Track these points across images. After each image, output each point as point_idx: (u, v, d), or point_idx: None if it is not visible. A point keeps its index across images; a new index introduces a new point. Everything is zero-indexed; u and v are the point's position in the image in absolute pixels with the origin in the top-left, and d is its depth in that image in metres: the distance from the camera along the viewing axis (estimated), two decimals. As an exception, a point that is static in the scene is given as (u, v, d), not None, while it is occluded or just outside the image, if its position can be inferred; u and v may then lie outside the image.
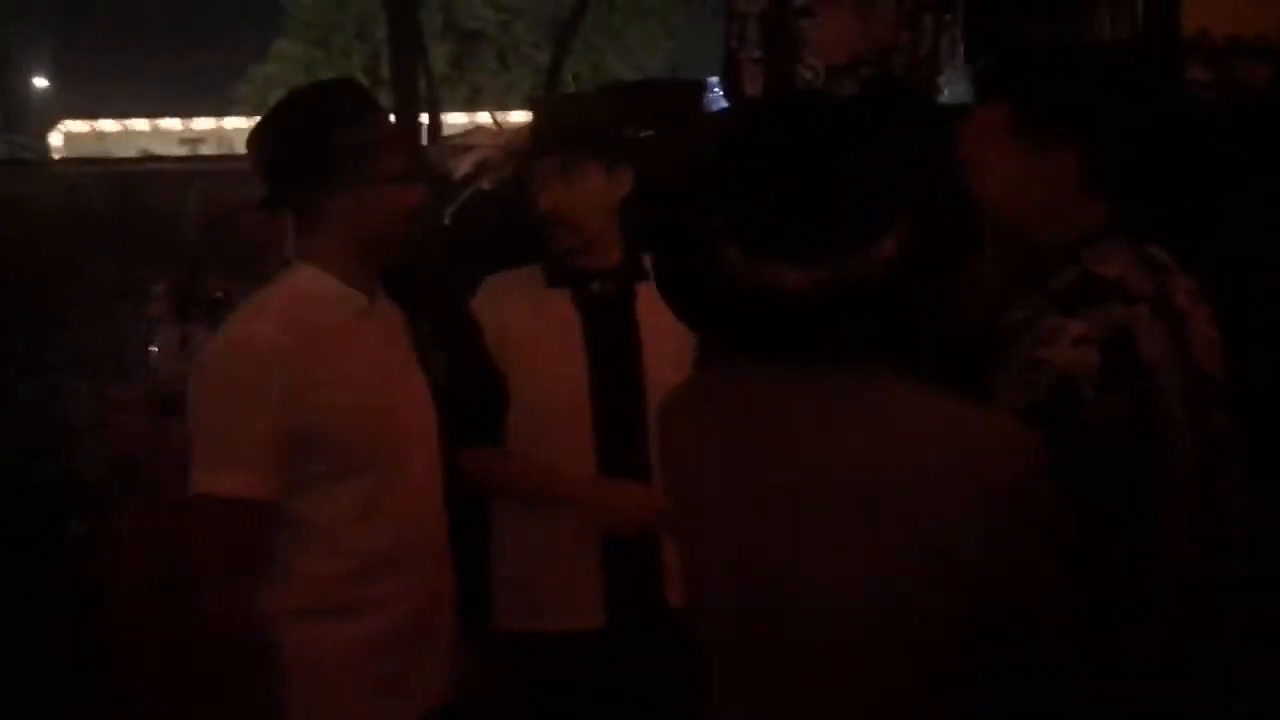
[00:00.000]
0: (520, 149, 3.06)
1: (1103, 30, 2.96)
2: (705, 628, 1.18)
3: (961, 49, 2.88)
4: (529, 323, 1.90)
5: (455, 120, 11.52)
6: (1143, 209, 1.42)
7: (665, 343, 1.84)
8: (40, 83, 24.22)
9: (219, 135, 16.20)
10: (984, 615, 1.03)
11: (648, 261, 1.89)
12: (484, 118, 8.56)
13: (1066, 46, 1.78)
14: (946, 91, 2.89)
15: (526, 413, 1.85)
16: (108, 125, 17.57)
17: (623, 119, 2.17)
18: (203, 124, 17.65)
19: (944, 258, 1.08)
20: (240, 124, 11.63)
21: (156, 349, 4.01)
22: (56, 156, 15.98)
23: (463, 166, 3.37)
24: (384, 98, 16.55)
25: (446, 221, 3.19)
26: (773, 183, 1.04)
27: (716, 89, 3.00)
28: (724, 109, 2.98)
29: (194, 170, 9.15)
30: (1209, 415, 1.31)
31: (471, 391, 1.90)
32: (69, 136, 17.17)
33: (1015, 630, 1.06)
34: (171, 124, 17.43)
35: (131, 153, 13.73)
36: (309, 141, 1.57)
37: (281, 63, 18.30)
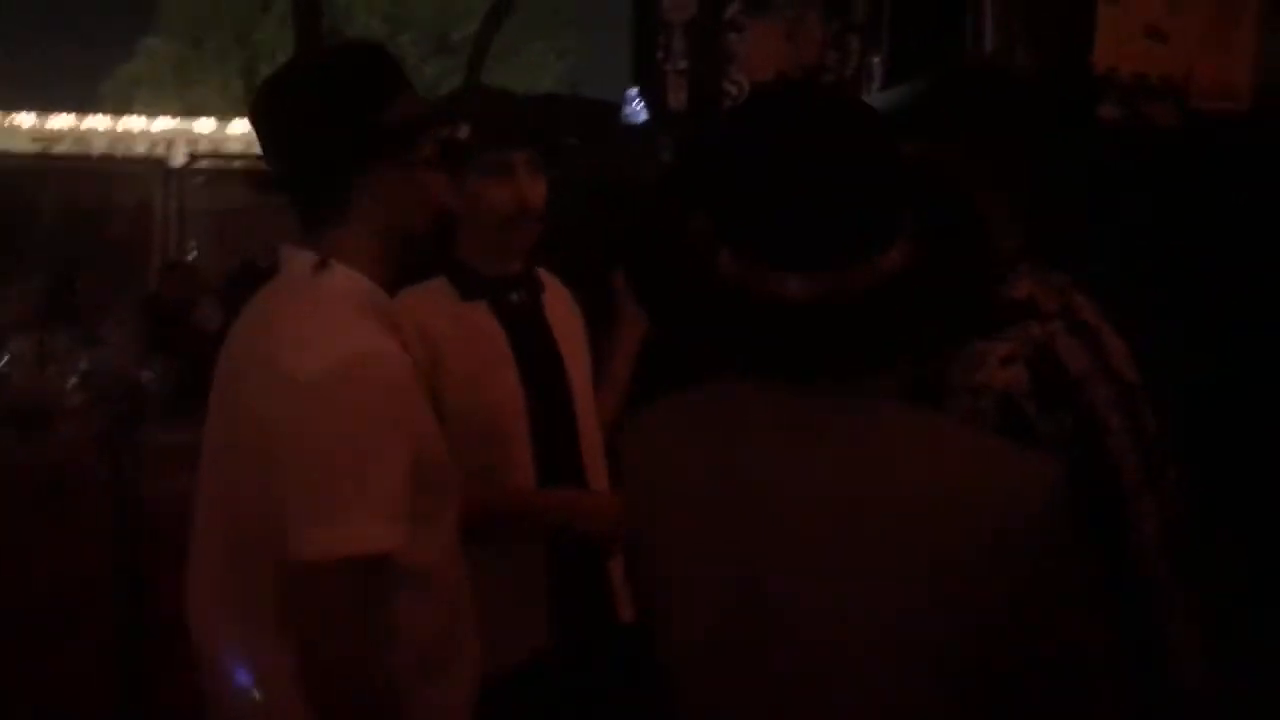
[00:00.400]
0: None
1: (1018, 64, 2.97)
2: (677, 653, 1.08)
3: (882, 72, 2.84)
4: (454, 338, 1.79)
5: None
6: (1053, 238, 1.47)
7: (577, 351, 1.91)
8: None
9: (76, 135, 15.36)
10: (997, 661, 0.93)
11: (541, 271, 1.92)
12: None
13: (1003, 89, 1.76)
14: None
15: (463, 431, 1.71)
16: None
17: (556, 124, 2.10)
18: (60, 121, 16.67)
19: (952, 271, 0.99)
20: (101, 124, 10.96)
21: (8, 358, 3.68)
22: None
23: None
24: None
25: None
26: (774, 182, 0.93)
27: (634, 101, 2.90)
28: (644, 123, 2.88)
29: (49, 169, 8.59)
30: (1142, 421, 1.34)
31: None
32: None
33: (1036, 682, 0.96)
34: (25, 119, 16.40)
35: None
36: (341, 117, 1.32)
37: (150, 61, 17.53)
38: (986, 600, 0.92)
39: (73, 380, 3.46)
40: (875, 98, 2.78)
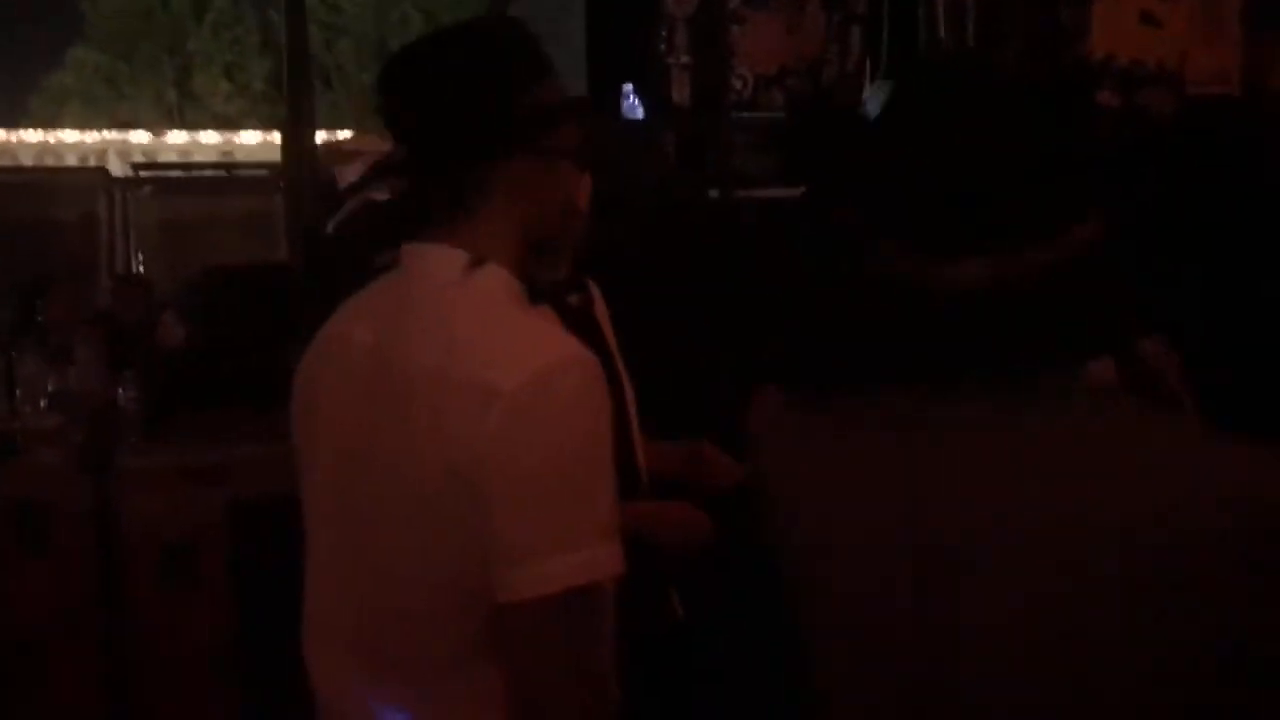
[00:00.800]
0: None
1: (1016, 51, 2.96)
2: (829, 682, 0.97)
3: (883, 65, 2.81)
4: None
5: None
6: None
7: (619, 355, 1.84)
8: None
9: (6, 149, 14.89)
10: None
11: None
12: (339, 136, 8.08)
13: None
14: (868, 107, 2.80)
15: None
16: None
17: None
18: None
19: (1137, 255, 0.93)
20: (34, 137, 10.60)
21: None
22: None
23: (348, 174, 3.08)
24: (195, 114, 15.60)
25: (330, 231, 2.91)
26: (948, 157, 0.86)
27: (630, 97, 2.83)
28: (644, 119, 2.82)
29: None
30: None
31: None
32: None
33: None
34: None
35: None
36: (492, 95, 1.19)
37: (79, 72, 17.02)
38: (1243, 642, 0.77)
39: (42, 403, 3.29)
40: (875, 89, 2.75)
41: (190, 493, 3.22)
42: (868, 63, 2.80)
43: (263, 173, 8.14)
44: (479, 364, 1.12)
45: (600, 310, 1.87)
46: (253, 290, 4.31)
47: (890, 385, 0.91)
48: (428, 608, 1.18)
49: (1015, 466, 0.84)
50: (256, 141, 10.66)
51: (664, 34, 2.68)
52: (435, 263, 1.22)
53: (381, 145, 3.21)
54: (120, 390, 3.50)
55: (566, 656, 1.12)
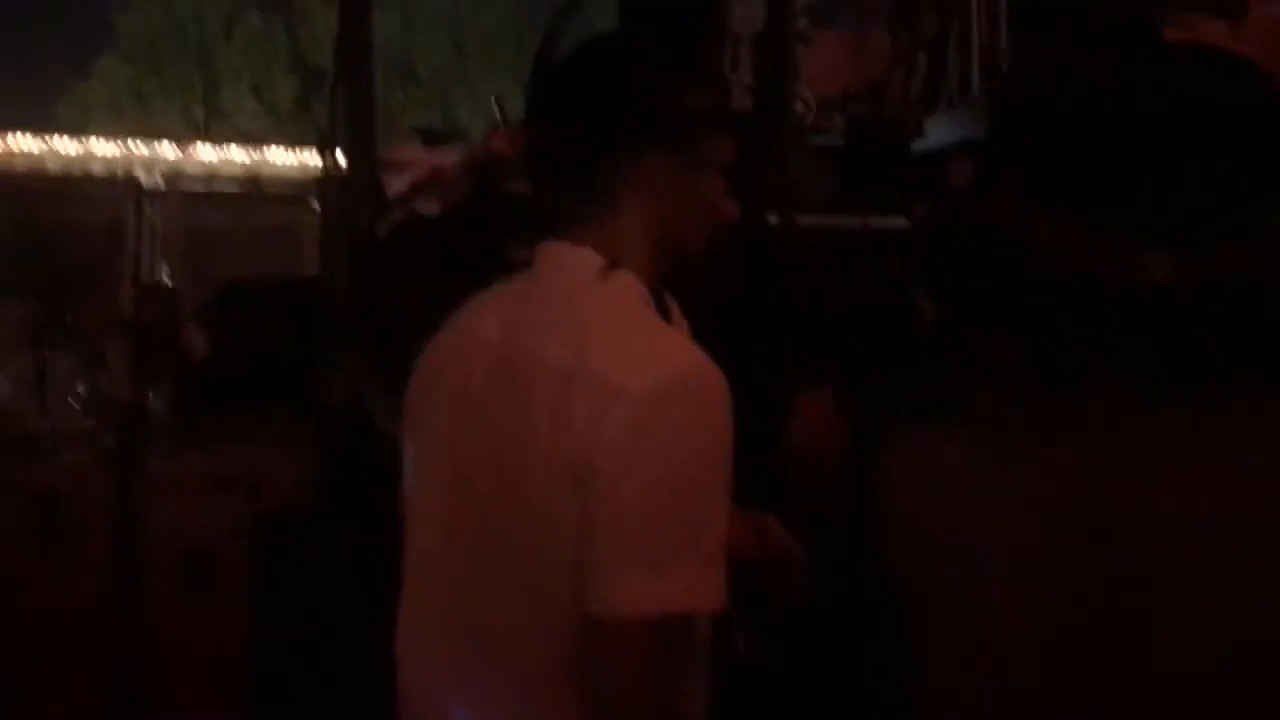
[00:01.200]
0: (484, 167, 2.73)
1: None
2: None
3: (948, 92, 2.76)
4: None
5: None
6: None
7: None
8: None
9: (34, 157, 14.99)
10: None
11: None
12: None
13: None
14: (929, 134, 2.77)
15: None
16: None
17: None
18: (22, 143, 16.30)
19: None
20: (66, 146, 10.62)
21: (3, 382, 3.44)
22: None
23: (394, 185, 3.04)
24: (220, 129, 15.69)
25: (380, 240, 2.85)
26: (1148, 137, 0.79)
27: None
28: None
29: (17, 190, 8.28)
30: None
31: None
32: None
33: None
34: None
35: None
36: (638, 90, 1.15)
37: (107, 82, 17.13)
38: None
39: (73, 405, 3.24)
40: (941, 119, 2.70)
41: (216, 500, 3.16)
42: (933, 89, 2.76)
43: (288, 190, 8.14)
44: (607, 364, 1.07)
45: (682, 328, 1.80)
46: (277, 304, 4.30)
47: (1048, 393, 0.84)
48: (529, 618, 1.11)
49: (1223, 478, 0.77)
50: (284, 159, 10.72)
51: (728, 52, 2.64)
52: (569, 263, 1.17)
53: (430, 157, 3.16)
54: (149, 395, 3.45)
55: (645, 688, 1.04)
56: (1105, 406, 0.81)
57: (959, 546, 0.90)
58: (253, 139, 14.33)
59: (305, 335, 3.34)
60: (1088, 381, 0.82)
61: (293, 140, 13.52)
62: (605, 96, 1.15)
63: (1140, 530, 0.79)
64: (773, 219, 2.54)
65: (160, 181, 8.41)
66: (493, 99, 3.41)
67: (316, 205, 3.90)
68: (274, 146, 11.34)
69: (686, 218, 1.19)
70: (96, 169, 9.79)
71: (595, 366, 1.07)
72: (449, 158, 3.06)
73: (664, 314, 1.26)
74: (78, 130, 12.96)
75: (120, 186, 8.10)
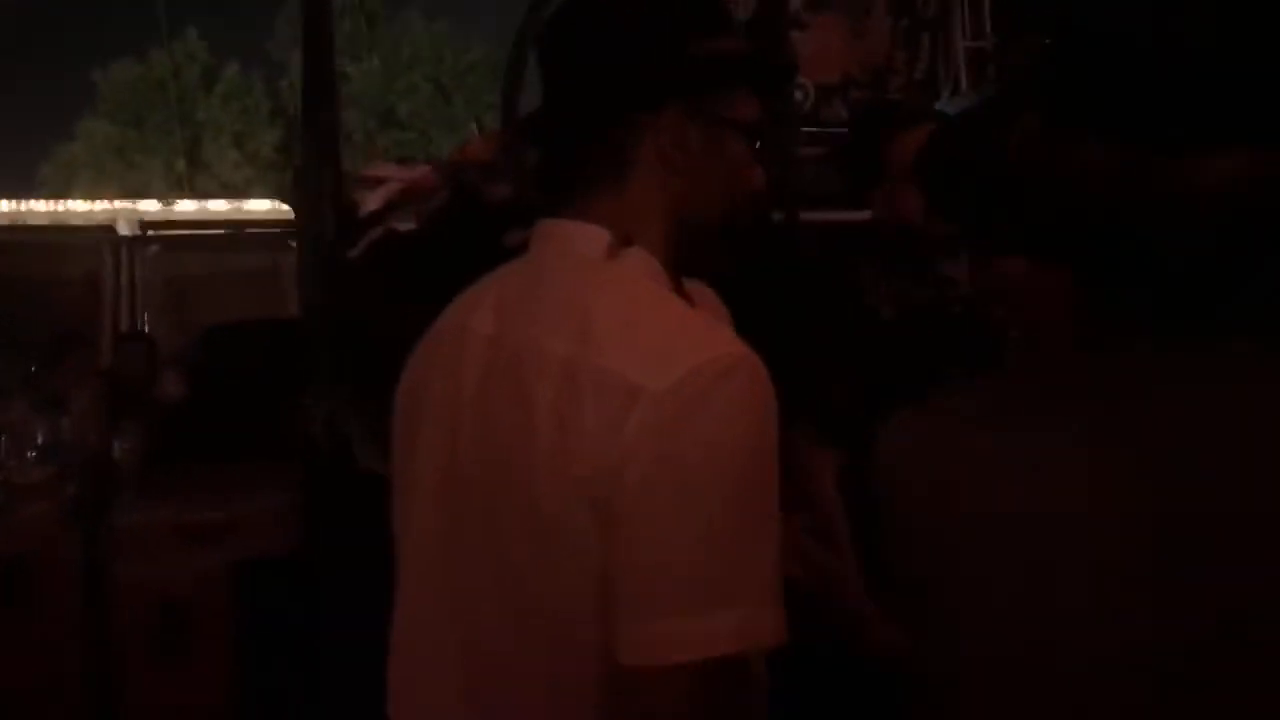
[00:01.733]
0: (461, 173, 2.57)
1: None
2: None
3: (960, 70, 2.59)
4: None
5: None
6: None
7: None
8: None
9: (15, 217, 14.92)
10: None
11: None
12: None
13: None
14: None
15: None
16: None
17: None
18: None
19: None
20: (41, 207, 10.55)
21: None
22: None
23: (370, 202, 2.85)
24: (203, 183, 15.62)
25: (352, 259, 2.67)
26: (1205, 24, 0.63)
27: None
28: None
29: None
30: None
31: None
32: None
33: None
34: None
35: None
36: (648, 37, 0.99)
37: (88, 142, 17.09)
38: None
39: (31, 454, 3.03)
40: (959, 99, 2.53)
41: (188, 552, 2.95)
42: (939, 72, 2.59)
43: (273, 230, 8.04)
44: (620, 356, 0.88)
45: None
46: (257, 347, 4.19)
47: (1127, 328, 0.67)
48: (547, 664, 0.92)
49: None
50: (266, 208, 10.68)
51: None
52: (572, 241, 1.00)
53: (404, 172, 3.00)
54: (116, 443, 3.25)
55: None
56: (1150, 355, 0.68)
57: (985, 517, 0.74)
58: (235, 190, 14.26)
59: (285, 376, 3.18)
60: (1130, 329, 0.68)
61: (276, 190, 13.44)
62: (618, 40, 0.98)
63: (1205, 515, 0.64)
64: (777, 216, 2.36)
65: (144, 227, 8.31)
66: (473, 121, 3.28)
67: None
68: (257, 199, 11.31)
69: (707, 186, 1.01)
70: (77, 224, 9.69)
71: (605, 358, 0.89)
72: (424, 172, 2.88)
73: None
74: (61, 193, 12.90)
75: (98, 236, 7.96)
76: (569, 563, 0.88)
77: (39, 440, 3.04)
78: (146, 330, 6.77)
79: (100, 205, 10.67)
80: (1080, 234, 0.69)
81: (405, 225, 2.83)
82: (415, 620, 1.05)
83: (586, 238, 0.99)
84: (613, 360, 0.88)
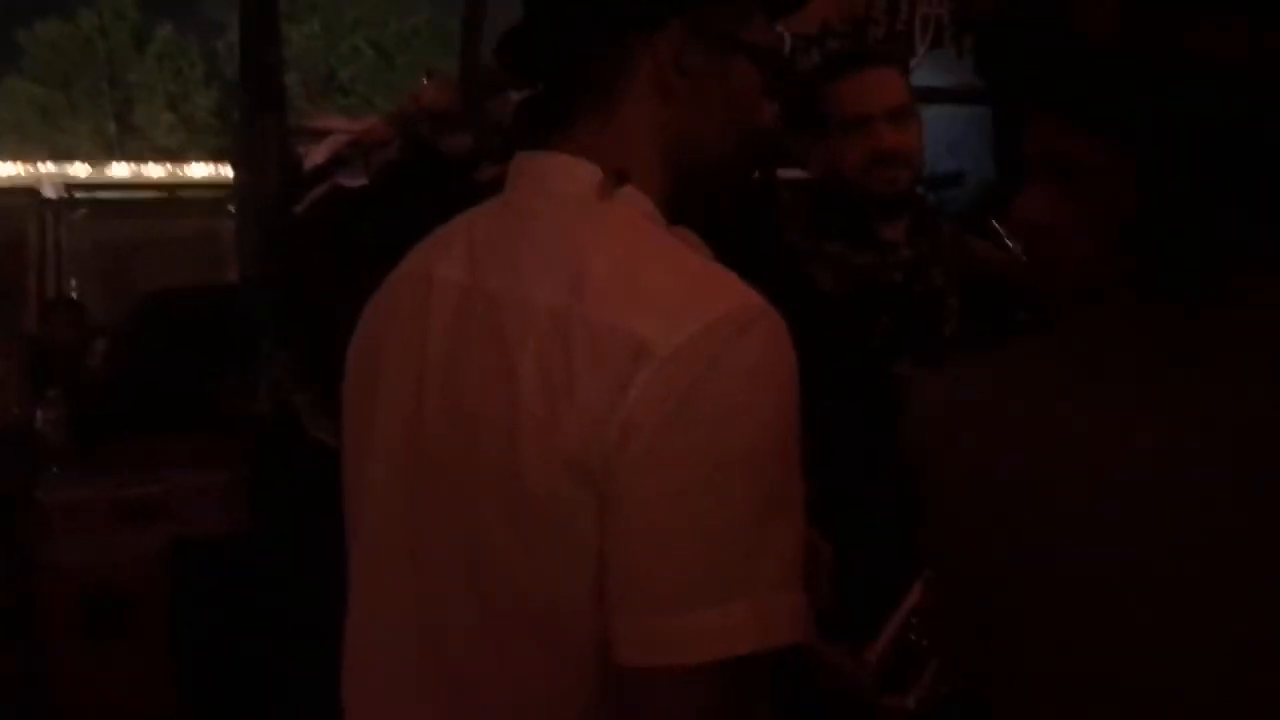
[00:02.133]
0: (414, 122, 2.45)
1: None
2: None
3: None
4: None
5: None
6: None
7: None
8: None
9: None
10: None
11: None
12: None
13: None
14: (912, 77, 2.50)
15: None
16: None
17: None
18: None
19: None
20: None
21: None
22: None
23: (315, 156, 2.68)
24: (136, 146, 15.16)
25: (298, 220, 2.52)
26: None
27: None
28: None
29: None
30: None
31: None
32: None
33: None
34: None
35: None
36: None
37: (12, 104, 16.47)
38: None
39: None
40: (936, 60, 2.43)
41: (122, 531, 2.79)
42: (920, 25, 2.48)
43: (211, 195, 7.81)
44: (621, 310, 0.77)
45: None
46: (196, 313, 4.03)
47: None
48: (520, 659, 0.80)
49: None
50: (205, 173, 10.41)
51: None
52: (557, 178, 0.88)
53: (351, 124, 2.83)
54: (39, 413, 3.05)
55: None
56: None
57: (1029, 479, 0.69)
58: (169, 154, 13.83)
59: (226, 343, 3.03)
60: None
61: (213, 155, 13.07)
62: None
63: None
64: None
65: (66, 192, 7.99)
66: (424, 72, 3.12)
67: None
68: (194, 163, 10.99)
69: (708, 117, 0.89)
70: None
71: (603, 311, 0.77)
72: (374, 123, 2.72)
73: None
74: (-19, 155, 12.41)
75: (21, 200, 7.64)
76: (557, 548, 0.77)
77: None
78: (75, 297, 6.52)
79: (25, 169, 10.32)
80: (1224, 132, 0.58)
81: (354, 181, 2.67)
82: (372, 619, 0.91)
83: (573, 174, 0.86)
84: (612, 314, 0.76)
